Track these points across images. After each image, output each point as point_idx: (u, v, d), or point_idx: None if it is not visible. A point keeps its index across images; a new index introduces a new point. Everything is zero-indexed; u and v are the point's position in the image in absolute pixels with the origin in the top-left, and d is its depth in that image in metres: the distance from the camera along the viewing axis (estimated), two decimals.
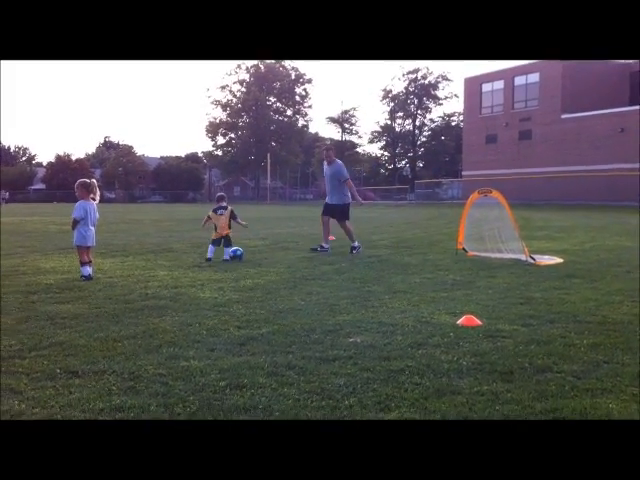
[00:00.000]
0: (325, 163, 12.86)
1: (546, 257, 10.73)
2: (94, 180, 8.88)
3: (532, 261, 10.04)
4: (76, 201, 8.66)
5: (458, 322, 5.74)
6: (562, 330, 5.47)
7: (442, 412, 3.52)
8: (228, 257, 10.64)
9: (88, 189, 8.62)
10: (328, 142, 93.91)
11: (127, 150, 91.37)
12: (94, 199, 8.69)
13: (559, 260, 10.45)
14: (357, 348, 4.87)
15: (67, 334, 5.30)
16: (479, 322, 5.70)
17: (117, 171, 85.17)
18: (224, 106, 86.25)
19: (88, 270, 8.39)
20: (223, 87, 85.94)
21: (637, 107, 44.22)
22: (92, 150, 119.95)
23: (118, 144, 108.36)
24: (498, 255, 10.88)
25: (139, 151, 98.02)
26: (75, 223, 8.49)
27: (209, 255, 10.70)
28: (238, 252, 10.84)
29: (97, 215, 8.75)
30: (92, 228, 8.60)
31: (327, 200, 12.75)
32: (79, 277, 8.36)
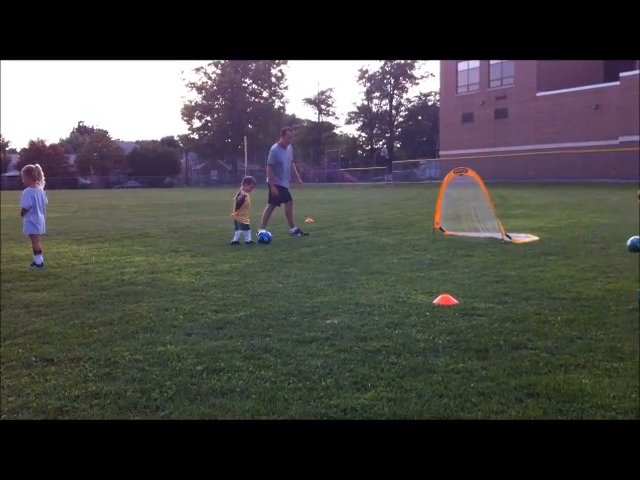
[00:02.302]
0: (283, 146, 11.97)
1: (522, 235, 10.83)
2: (38, 165, 8.67)
3: (508, 239, 10.13)
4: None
5: (434, 301, 5.78)
6: (537, 307, 5.54)
7: (418, 391, 3.56)
8: (250, 239, 10.87)
9: (32, 175, 8.43)
10: (305, 124, 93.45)
11: (102, 135, 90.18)
12: (39, 184, 8.53)
13: (535, 238, 10.55)
14: (334, 329, 4.89)
15: (42, 322, 5.26)
16: (455, 301, 5.75)
17: (92, 156, 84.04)
18: (199, 88, 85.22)
19: (41, 259, 8.34)
20: (198, 69, 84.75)
21: (611, 84, 44.50)
22: (66, 135, 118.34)
23: (92, 129, 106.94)
24: (474, 234, 10.95)
25: (114, 136, 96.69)
26: (24, 212, 8.37)
27: (249, 238, 10.89)
28: (262, 235, 11.01)
29: (46, 200, 8.63)
30: (42, 215, 8.49)
31: (284, 184, 12.07)
32: (29, 265, 8.29)
